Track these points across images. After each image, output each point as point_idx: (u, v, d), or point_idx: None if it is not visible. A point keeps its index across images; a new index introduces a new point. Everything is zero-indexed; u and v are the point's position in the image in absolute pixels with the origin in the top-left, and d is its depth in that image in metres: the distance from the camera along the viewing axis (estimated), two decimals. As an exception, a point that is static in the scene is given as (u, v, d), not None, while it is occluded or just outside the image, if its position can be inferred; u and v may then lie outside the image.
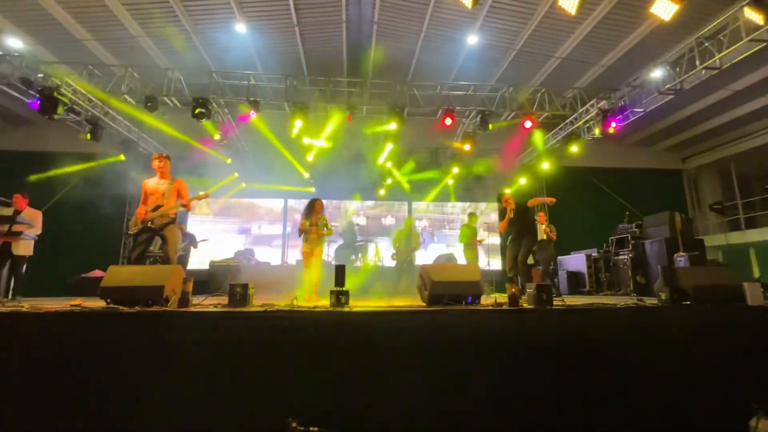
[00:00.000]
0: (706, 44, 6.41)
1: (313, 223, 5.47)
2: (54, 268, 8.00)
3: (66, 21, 6.97)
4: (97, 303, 3.30)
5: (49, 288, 6.89)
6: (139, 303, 3.06)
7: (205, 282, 7.65)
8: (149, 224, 4.12)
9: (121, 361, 2.70)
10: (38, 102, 6.59)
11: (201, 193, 4.47)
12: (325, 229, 5.51)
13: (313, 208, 5.55)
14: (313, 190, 10.37)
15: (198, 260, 8.47)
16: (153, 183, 4.29)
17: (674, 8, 4.60)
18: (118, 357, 2.71)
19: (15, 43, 7.00)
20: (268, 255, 10.32)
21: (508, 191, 5.92)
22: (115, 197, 8.82)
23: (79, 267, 7.94)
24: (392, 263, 8.23)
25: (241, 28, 7.54)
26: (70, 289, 6.99)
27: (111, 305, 3.07)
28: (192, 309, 3.22)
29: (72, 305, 3.24)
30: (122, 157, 8.83)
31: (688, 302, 3.60)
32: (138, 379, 2.66)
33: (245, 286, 3.23)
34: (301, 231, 5.50)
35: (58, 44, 7.53)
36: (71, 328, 2.80)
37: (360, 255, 8.93)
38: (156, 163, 4.30)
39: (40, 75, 6.85)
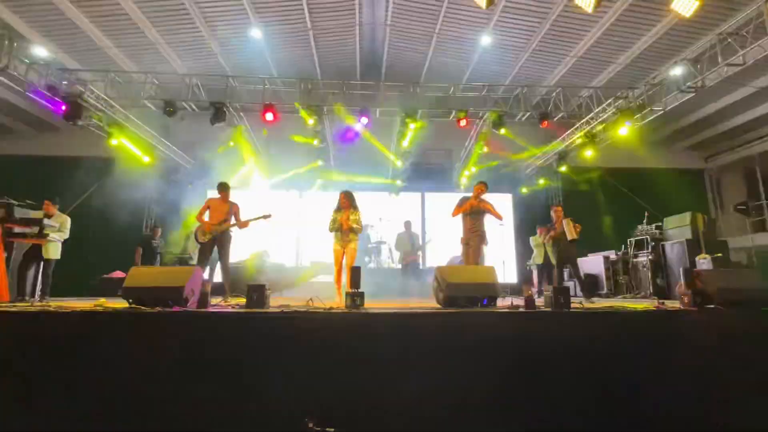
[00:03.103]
0: (729, 40, 6.23)
1: (345, 217, 5.02)
2: (77, 269, 8.22)
3: (89, 29, 7.20)
4: (119, 303, 3.39)
5: (72, 288, 7.09)
6: (159, 303, 3.13)
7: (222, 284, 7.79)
8: (216, 234, 5.24)
9: (143, 360, 2.76)
10: (63, 108, 6.81)
11: (263, 214, 5.54)
12: (356, 224, 5.01)
13: (343, 202, 5.11)
14: (319, 181, 10.34)
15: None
16: (217, 203, 5.39)
17: (696, 4, 4.49)
18: (140, 355, 2.77)
19: (41, 51, 7.26)
20: (284, 255, 10.39)
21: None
22: (135, 201, 9.05)
23: (100, 268, 8.16)
24: (398, 265, 8.22)
25: (256, 33, 7.68)
26: (93, 290, 7.18)
27: (133, 305, 3.15)
28: (210, 309, 3.28)
29: (96, 305, 3.34)
30: (145, 161, 9.04)
31: (712, 306, 3.49)
32: (159, 378, 2.72)
33: (262, 287, 3.27)
34: (332, 227, 5.09)
35: (82, 52, 7.80)
36: (95, 326, 2.89)
37: (373, 257, 8.95)
38: (222, 191, 5.44)
39: (65, 82, 7.09)
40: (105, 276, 7.83)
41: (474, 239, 5.43)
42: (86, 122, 7.33)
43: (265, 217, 5.51)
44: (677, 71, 7.19)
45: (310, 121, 7.82)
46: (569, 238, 6.02)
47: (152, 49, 7.87)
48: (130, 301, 3.21)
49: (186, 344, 2.84)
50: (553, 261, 6.50)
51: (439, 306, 3.67)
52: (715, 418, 2.84)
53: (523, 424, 2.77)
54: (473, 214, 5.45)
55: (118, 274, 7.75)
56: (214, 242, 5.26)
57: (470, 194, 5.60)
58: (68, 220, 5.64)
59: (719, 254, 6.42)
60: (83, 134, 8.50)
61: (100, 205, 8.89)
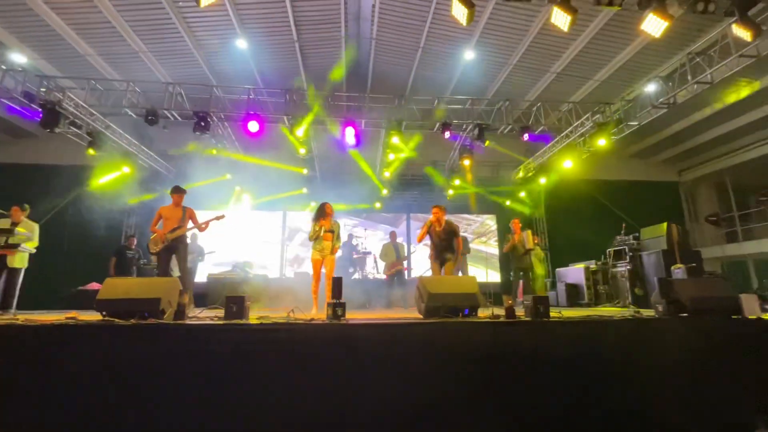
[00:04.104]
0: (698, 59, 6.55)
1: (325, 228, 5.08)
2: (51, 281, 7.96)
3: (70, 36, 7.11)
4: (93, 316, 3.29)
5: (46, 301, 6.84)
6: (135, 315, 3.05)
7: (203, 295, 7.64)
8: (170, 243, 5.10)
9: (116, 374, 2.68)
10: (40, 115, 6.67)
11: (218, 215, 5.46)
12: (338, 241, 5.16)
13: (323, 212, 5.20)
14: (312, 204, 10.42)
15: (198, 274, 8.47)
16: (169, 210, 5.20)
17: (664, 25, 4.71)
18: (113, 369, 2.69)
19: (19, 57, 7.12)
20: (267, 267, 10.29)
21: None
22: (114, 210, 8.85)
23: (76, 280, 7.91)
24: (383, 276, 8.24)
25: (242, 43, 7.70)
26: (67, 303, 6.95)
27: (107, 318, 3.06)
28: (188, 322, 3.21)
29: (67, 318, 3.23)
30: (124, 170, 8.89)
31: (685, 314, 3.59)
32: (133, 392, 2.64)
33: (242, 299, 3.23)
34: (312, 236, 5.14)
35: (62, 59, 7.66)
36: (66, 340, 2.80)
37: (358, 268, 8.92)
38: (175, 196, 5.29)
39: (43, 89, 6.95)
40: (80, 288, 7.59)
41: (449, 261, 5.55)
42: (64, 130, 7.18)
43: (218, 218, 5.47)
44: (650, 88, 7.51)
45: (299, 132, 7.86)
46: (527, 247, 6.81)
47: (135, 57, 7.80)
48: (104, 313, 3.12)
49: (162, 357, 2.77)
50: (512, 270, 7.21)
51: (420, 316, 3.68)
52: (690, 423, 2.90)
53: (503, 429, 2.78)
54: (443, 239, 5.56)
55: (94, 285, 7.52)
56: (170, 251, 5.14)
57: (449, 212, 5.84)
58: (37, 228, 5.47)
59: (693, 264, 6.63)
60: (61, 142, 8.33)
61: (78, 214, 8.68)
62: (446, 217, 5.65)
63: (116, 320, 2.97)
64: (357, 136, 7.79)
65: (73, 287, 7.62)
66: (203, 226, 5.31)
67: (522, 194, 11.10)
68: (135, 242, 8.09)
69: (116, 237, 9.41)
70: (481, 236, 11.48)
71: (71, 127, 7.30)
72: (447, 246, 5.55)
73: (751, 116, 9.20)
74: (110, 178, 8.57)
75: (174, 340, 2.86)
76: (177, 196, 5.28)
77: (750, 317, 3.48)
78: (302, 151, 8.79)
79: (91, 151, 7.74)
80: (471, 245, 9.34)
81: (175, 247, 5.14)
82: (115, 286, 3.26)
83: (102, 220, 8.54)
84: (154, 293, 3.16)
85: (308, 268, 6.45)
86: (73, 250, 8.89)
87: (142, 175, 9.37)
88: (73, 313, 3.71)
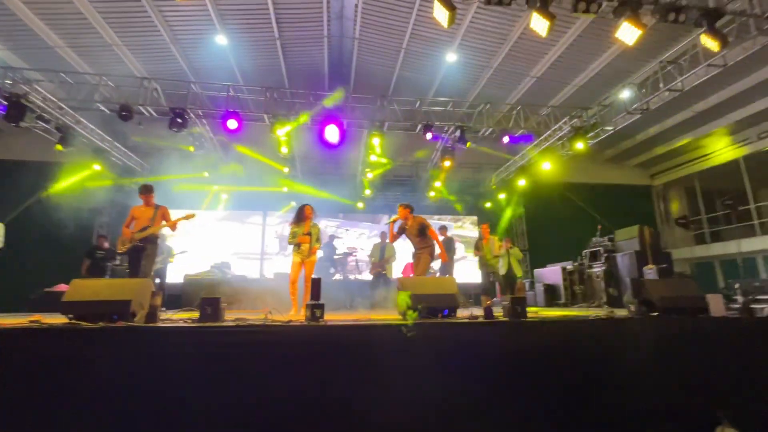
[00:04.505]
0: (669, 68, 6.80)
1: (305, 231, 5.01)
2: (17, 283, 7.59)
3: (38, 27, 6.80)
4: (59, 319, 3.14)
5: (11, 304, 6.52)
6: (103, 318, 2.93)
7: (179, 296, 7.44)
8: (138, 243, 4.93)
9: (83, 379, 2.57)
10: (4, 109, 6.35)
11: (188, 213, 5.25)
12: (317, 242, 5.07)
13: (303, 214, 5.11)
14: (293, 204, 10.31)
15: (174, 275, 8.24)
16: (140, 209, 5.07)
17: (637, 33, 4.87)
18: (79, 374, 2.58)
19: (-19, 48, 6.78)
20: (246, 268, 10.11)
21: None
22: (85, 209, 8.52)
23: (44, 282, 7.57)
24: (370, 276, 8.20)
25: (221, 39, 7.53)
26: (33, 305, 6.63)
27: (73, 321, 2.93)
28: (160, 324, 3.11)
29: (31, 321, 3.07)
30: (95, 167, 8.57)
31: (656, 313, 3.71)
32: (101, 397, 2.53)
33: (217, 300, 3.14)
34: (291, 240, 5.06)
35: (29, 51, 7.32)
36: (29, 345, 2.66)
37: (339, 268, 8.86)
38: (144, 195, 5.11)
39: (8, 81, 6.62)
40: (47, 290, 7.25)
41: (423, 255, 5.54)
42: (31, 124, 6.86)
43: (187, 217, 5.29)
44: (625, 94, 7.75)
45: (279, 132, 7.74)
46: (494, 254, 7.28)
47: (108, 50, 7.52)
48: (70, 316, 2.99)
49: (133, 361, 2.67)
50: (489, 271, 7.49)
51: (400, 317, 3.67)
52: (660, 418, 3.00)
53: (482, 429, 2.80)
54: (415, 235, 5.56)
55: (62, 287, 7.19)
56: (138, 251, 4.97)
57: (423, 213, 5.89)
58: (1, 227, 5.26)
59: (664, 265, 6.87)
60: (28, 137, 7.96)
61: (45, 213, 8.29)
62: (414, 215, 5.66)
63: (83, 323, 2.85)
64: (341, 134, 7.72)
65: (40, 289, 7.29)
66: (173, 224, 5.16)
67: (502, 196, 11.27)
68: (106, 243, 7.79)
69: (87, 237, 9.05)
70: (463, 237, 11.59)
71: (39, 122, 6.98)
72: (420, 241, 5.54)
73: (719, 123, 9.62)
74: (80, 176, 8.25)
75: (145, 343, 2.76)
76: (144, 196, 5.12)
77: (716, 316, 3.63)
78: (284, 150, 8.67)
79: (59, 147, 7.42)
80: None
81: (143, 248, 4.98)
82: (83, 288, 3.12)
83: (71, 219, 8.19)
84: (125, 295, 3.04)
85: (288, 269, 6.38)
86: (40, 251, 8.50)
87: (115, 173, 9.07)
88: (37, 316, 3.53)
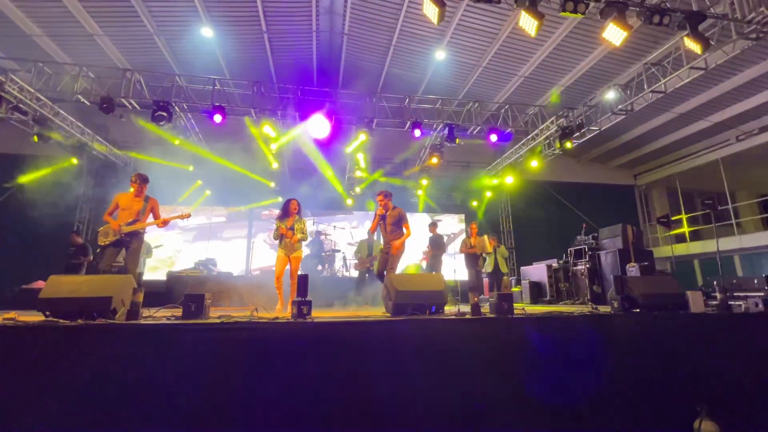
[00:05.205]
0: (653, 69, 6.92)
1: (289, 226, 4.92)
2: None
3: (14, 15, 6.55)
4: (35, 317, 3.04)
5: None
6: (82, 315, 2.84)
7: (163, 293, 7.27)
8: (123, 237, 4.47)
9: (59, 379, 2.48)
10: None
11: (183, 212, 4.91)
12: (300, 234, 4.92)
13: (288, 209, 4.99)
14: (280, 199, 10.20)
15: (159, 271, 8.08)
16: (128, 199, 4.57)
17: (623, 35, 4.94)
18: (55, 374, 2.49)
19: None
20: (231, 265, 9.97)
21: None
22: (64, 204, 8.27)
23: (20, 278, 7.32)
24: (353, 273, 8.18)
25: (207, 32, 7.38)
26: (9, 303, 6.41)
27: (50, 318, 2.84)
28: (142, 321, 3.03)
29: (5, 319, 2.96)
30: (74, 161, 8.33)
31: (638, 309, 3.78)
32: (78, 397, 2.46)
33: (201, 297, 3.08)
34: (276, 235, 4.96)
35: (4, 39, 7.05)
36: (2, 344, 2.56)
37: (327, 265, 8.81)
38: (136, 184, 4.62)
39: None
40: (24, 286, 7.02)
41: (396, 244, 5.17)
42: (6, 115, 6.62)
43: (182, 216, 4.95)
44: (610, 95, 7.86)
45: (267, 128, 7.66)
46: (488, 251, 7.48)
47: (88, 40, 7.30)
48: (47, 313, 2.89)
49: (113, 359, 2.60)
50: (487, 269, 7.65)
51: (388, 314, 3.66)
52: (640, 411, 3.06)
53: (469, 424, 2.81)
54: (393, 224, 5.26)
55: (39, 284, 6.96)
56: (120, 245, 4.50)
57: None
58: None
59: (646, 263, 7.02)
60: (5, 129, 7.68)
61: (22, 207, 8.03)
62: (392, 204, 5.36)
63: (60, 321, 2.76)
64: (333, 128, 7.64)
65: (16, 285, 7.05)
66: (164, 221, 4.73)
67: (488, 194, 11.37)
68: (78, 238, 7.49)
69: (65, 233, 8.79)
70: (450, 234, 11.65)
71: (14, 113, 6.73)
72: (394, 230, 5.21)
73: (700, 125, 9.86)
74: (59, 169, 8.01)
75: (125, 341, 2.69)
76: (138, 185, 4.61)
77: (695, 312, 3.72)
78: (273, 147, 8.56)
79: (36, 139, 7.17)
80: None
81: (128, 242, 4.51)
82: (61, 284, 3.02)
83: (48, 215, 7.94)
84: (105, 291, 2.95)
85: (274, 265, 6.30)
86: (16, 247, 8.24)
87: (95, 166, 8.83)
88: (12, 314, 3.41)
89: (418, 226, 11.42)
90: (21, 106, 6.75)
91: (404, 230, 5.21)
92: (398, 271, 5.30)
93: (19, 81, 6.60)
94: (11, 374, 2.48)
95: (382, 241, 5.54)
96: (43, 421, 2.41)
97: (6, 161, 8.41)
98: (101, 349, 2.63)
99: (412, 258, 10.67)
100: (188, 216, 5.03)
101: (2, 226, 8.07)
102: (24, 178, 8.27)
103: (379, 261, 5.42)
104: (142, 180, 4.65)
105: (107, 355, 2.60)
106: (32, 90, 6.76)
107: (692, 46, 5.20)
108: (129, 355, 2.63)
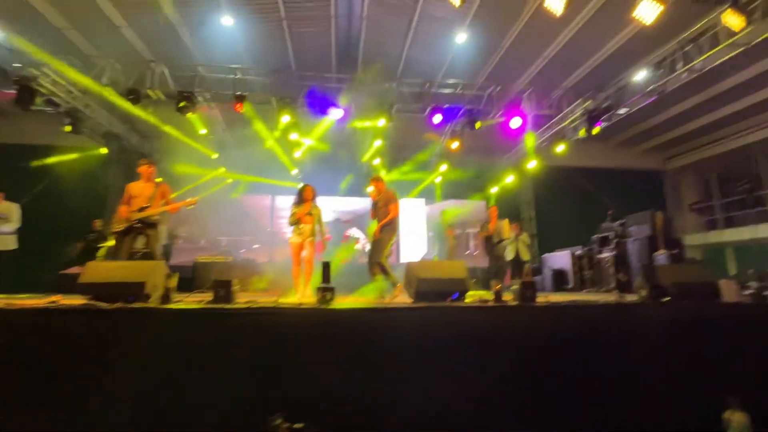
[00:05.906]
0: (688, 48, 6.56)
1: (305, 211, 4.90)
2: (33, 264, 7.76)
3: (44, 9, 6.74)
4: (76, 300, 3.22)
5: (27, 285, 6.68)
6: (119, 299, 2.99)
7: (190, 279, 7.54)
8: (135, 224, 4.40)
9: (100, 358, 2.64)
10: (14, 93, 6.38)
11: (189, 199, 4.76)
12: (316, 220, 4.88)
13: (303, 195, 4.97)
14: (300, 185, 10.30)
15: (186, 256, 8.36)
16: (138, 186, 4.54)
17: (658, 9, 4.69)
18: (97, 354, 2.65)
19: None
20: (255, 252, 10.21)
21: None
22: (95, 192, 8.61)
23: (58, 264, 7.72)
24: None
25: (227, 20, 7.41)
26: (49, 287, 6.79)
27: (90, 302, 3.00)
28: (174, 305, 3.17)
29: (49, 302, 3.15)
30: (104, 150, 8.63)
31: (667, 298, 3.69)
32: (118, 376, 2.61)
33: (228, 283, 3.19)
34: (292, 221, 4.94)
35: (35, 33, 7.27)
36: (48, 324, 2.74)
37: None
38: (143, 168, 4.59)
39: (17, 65, 6.62)
40: (62, 272, 7.40)
41: (386, 232, 5.05)
42: (41, 108, 6.89)
43: (188, 203, 4.79)
44: (641, 75, 7.51)
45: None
46: (502, 236, 7.03)
47: (114, 33, 7.45)
48: (89, 296, 3.06)
49: (149, 341, 2.74)
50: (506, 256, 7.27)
51: (409, 301, 3.70)
52: (670, 402, 3.01)
53: (492, 415, 2.84)
54: (384, 206, 5.10)
55: (76, 269, 7.34)
56: (133, 233, 4.41)
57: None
58: (16, 208, 5.28)
59: (675, 250, 6.80)
60: (38, 121, 8.00)
61: (59, 196, 8.40)
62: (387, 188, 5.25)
63: (100, 304, 2.91)
64: (351, 115, 7.63)
65: (56, 271, 7.44)
66: (175, 207, 4.64)
67: (510, 179, 11.15)
68: (98, 223, 7.79)
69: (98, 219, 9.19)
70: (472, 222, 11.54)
71: (48, 105, 7.00)
72: (384, 213, 5.04)
73: (737, 106, 9.33)
74: (89, 159, 8.32)
75: (161, 324, 2.83)
76: (146, 168, 4.55)
77: (729, 301, 3.60)
78: (294, 136, 8.61)
79: (67, 128, 7.44)
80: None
81: (141, 230, 4.43)
82: (97, 270, 3.19)
83: (83, 202, 8.30)
84: (139, 277, 3.10)
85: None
86: (54, 233, 8.65)
87: (125, 156, 9.12)
88: (56, 297, 3.62)
89: (433, 214, 11.34)
90: (53, 98, 7.00)
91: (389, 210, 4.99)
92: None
93: (52, 74, 6.83)
94: (55, 353, 2.65)
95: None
96: (84, 398, 2.57)
97: (40, 151, 8.77)
98: (137, 331, 2.77)
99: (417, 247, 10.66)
100: (195, 202, 4.87)
101: (39, 214, 8.46)
102: (58, 168, 8.64)
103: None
104: (149, 163, 4.62)
105: (144, 337, 2.74)
106: (64, 83, 7.00)
107: (732, 21, 4.89)
108: (163, 338, 2.76)
